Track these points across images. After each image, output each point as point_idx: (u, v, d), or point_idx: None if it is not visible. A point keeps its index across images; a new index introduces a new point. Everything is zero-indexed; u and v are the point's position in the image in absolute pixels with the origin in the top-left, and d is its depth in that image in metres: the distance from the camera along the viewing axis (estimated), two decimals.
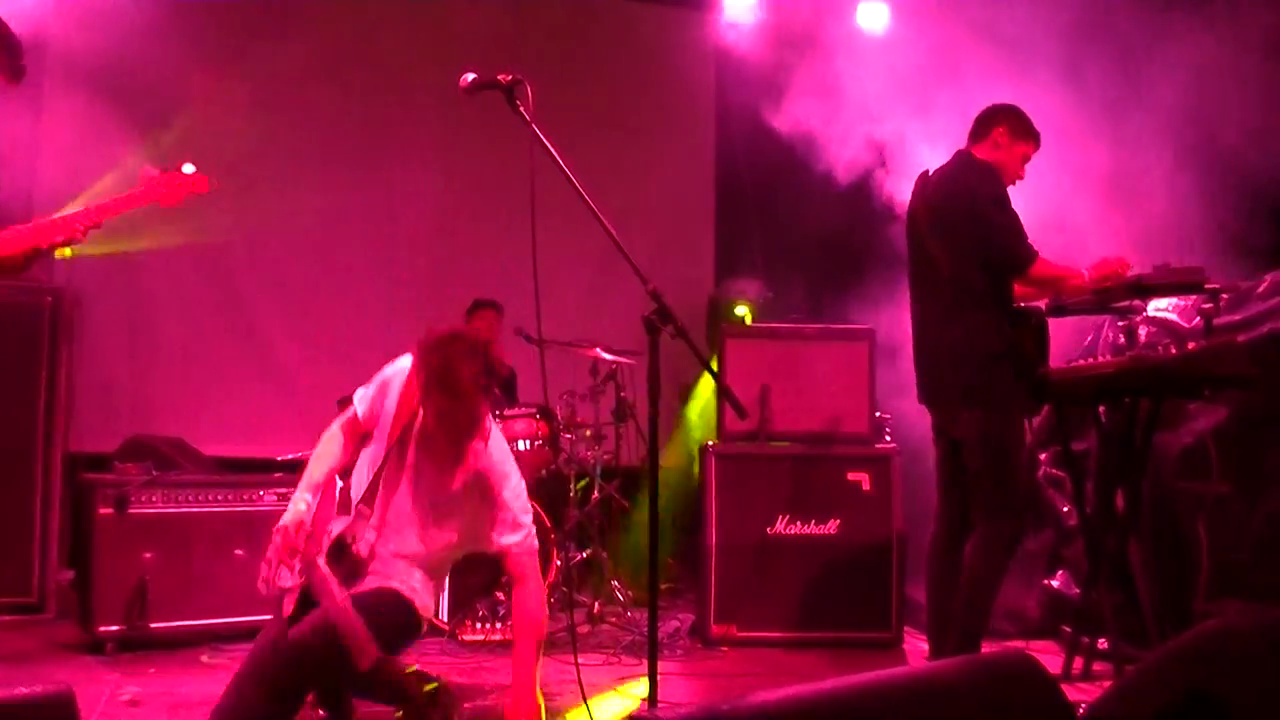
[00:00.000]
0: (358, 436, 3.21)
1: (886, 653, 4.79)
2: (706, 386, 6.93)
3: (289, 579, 2.95)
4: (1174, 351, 3.55)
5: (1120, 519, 4.08)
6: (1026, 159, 3.98)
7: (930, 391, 4.02)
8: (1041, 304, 4.05)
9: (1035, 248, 3.78)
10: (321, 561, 2.92)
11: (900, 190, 5.16)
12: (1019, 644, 4.50)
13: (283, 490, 4.67)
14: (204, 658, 4.24)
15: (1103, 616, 4.07)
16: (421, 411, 3.04)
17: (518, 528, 3.10)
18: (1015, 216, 3.80)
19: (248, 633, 3.71)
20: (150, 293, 6.58)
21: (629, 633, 4.83)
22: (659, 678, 2.80)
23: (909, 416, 4.71)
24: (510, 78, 2.88)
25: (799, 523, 4.90)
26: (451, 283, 6.81)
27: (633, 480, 6.01)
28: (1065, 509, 4.85)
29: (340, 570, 2.96)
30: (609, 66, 7.72)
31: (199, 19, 6.61)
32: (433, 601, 3.15)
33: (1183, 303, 4.40)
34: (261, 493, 4.65)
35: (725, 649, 4.78)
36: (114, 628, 4.29)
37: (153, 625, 4.32)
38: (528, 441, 5.28)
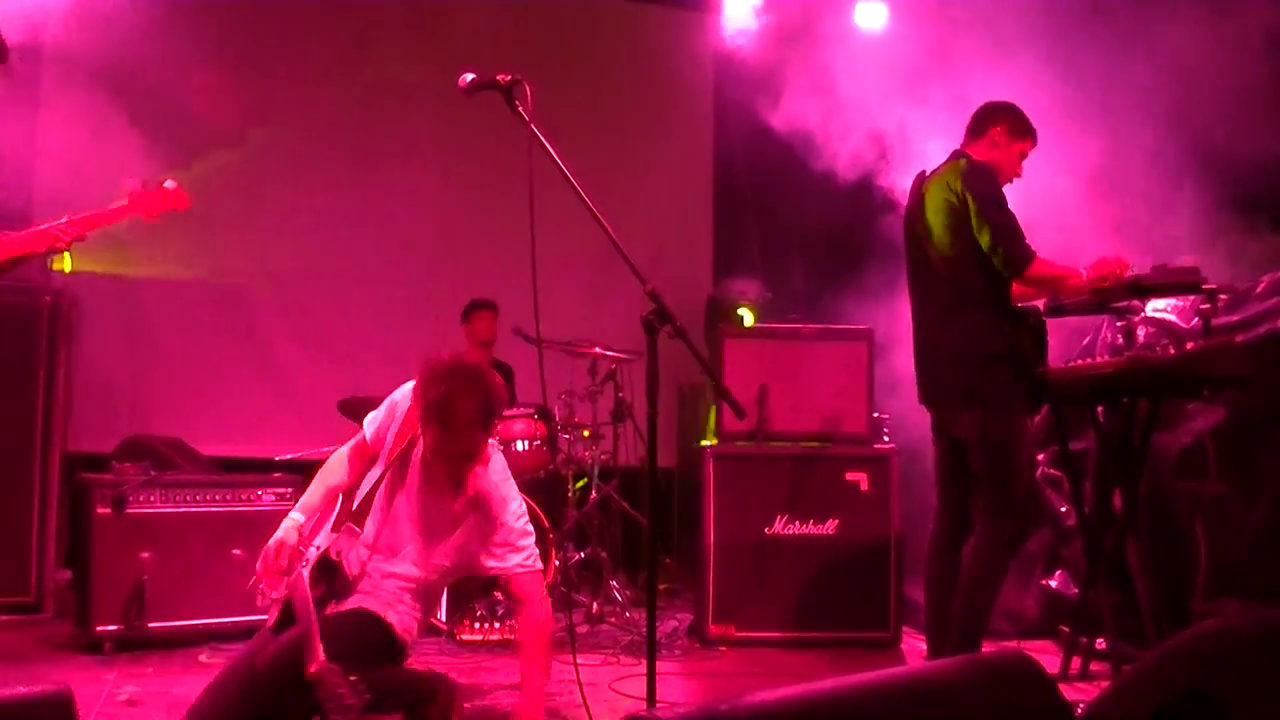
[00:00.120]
0: (365, 460, 3.21)
1: (885, 652, 4.79)
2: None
3: (275, 591, 2.96)
4: (1172, 352, 3.55)
5: (1118, 519, 4.08)
6: (1024, 156, 3.98)
7: (930, 392, 4.02)
8: (1040, 304, 4.05)
9: (1033, 247, 3.78)
10: (305, 577, 2.91)
11: (899, 189, 5.16)
12: (1017, 644, 4.50)
13: (281, 490, 4.68)
14: (202, 657, 4.24)
15: (1101, 616, 4.08)
16: (422, 437, 3.04)
17: (519, 549, 3.10)
18: (1012, 216, 3.80)
19: (245, 632, 3.71)
20: (148, 293, 6.57)
21: (627, 632, 4.83)
22: (657, 677, 2.81)
23: (908, 416, 4.72)
24: (509, 78, 2.88)
25: (797, 523, 4.90)
26: (450, 282, 6.80)
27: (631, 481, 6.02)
28: (1063, 509, 4.85)
29: (325, 587, 2.95)
30: (608, 67, 7.72)
31: (199, 19, 6.61)
32: (416, 625, 3.10)
33: (1181, 303, 4.41)
34: (259, 493, 4.65)
35: (723, 649, 4.78)
36: (112, 627, 4.29)
37: (150, 625, 4.32)
38: (526, 442, 5.29)
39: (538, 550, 3.18)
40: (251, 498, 4.63)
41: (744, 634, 4.83)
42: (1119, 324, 4.18)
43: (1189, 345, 3.54)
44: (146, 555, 4.35)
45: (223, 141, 6.62)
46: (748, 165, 7.76)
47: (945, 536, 3.99)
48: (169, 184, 3.63)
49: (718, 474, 4.93)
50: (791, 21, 6.41)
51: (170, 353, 6.62)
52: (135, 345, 6.55)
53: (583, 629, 4.93)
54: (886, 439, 5.12)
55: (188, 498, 4.50)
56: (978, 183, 3.81)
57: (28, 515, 4.81)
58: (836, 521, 4.91)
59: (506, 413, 5.28)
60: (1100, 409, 4.18)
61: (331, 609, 2.98)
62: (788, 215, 7.64)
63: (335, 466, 3.21)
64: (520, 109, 2.87)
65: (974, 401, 3.79)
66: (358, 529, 3.03)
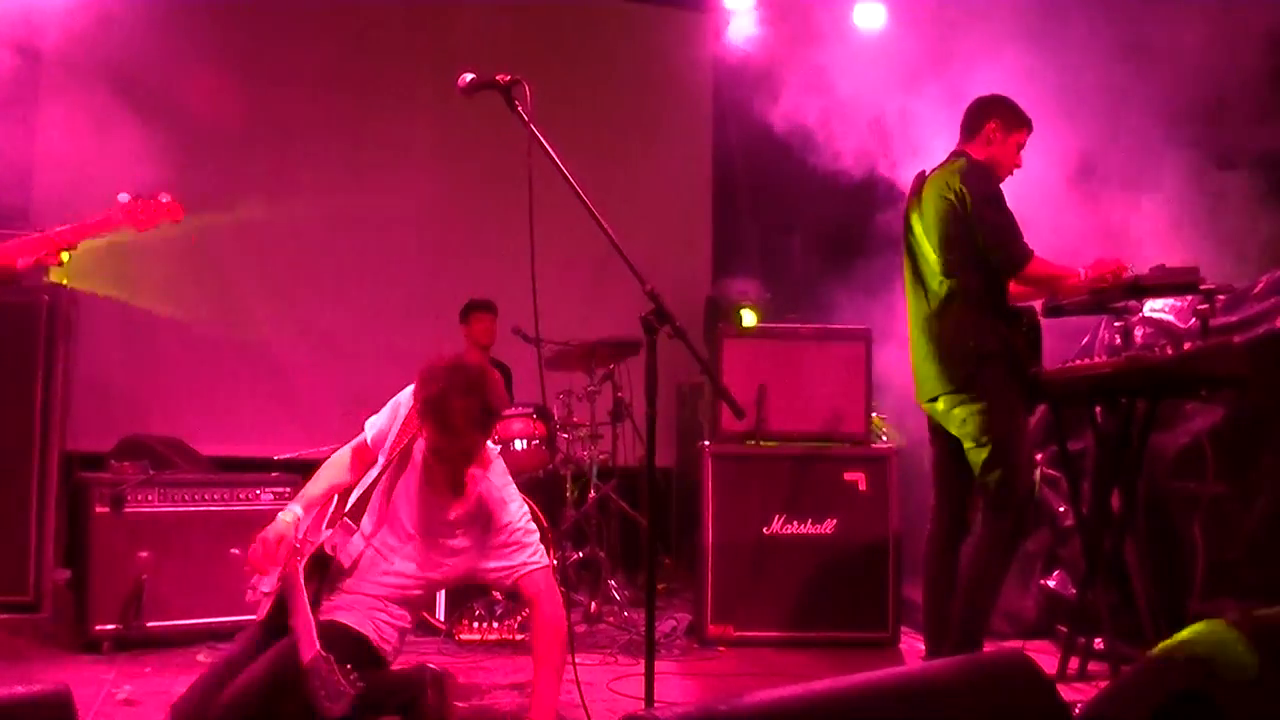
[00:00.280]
0: (366, 461, 3.20)
1: (883, 652, 4.79)
2: None
3: (268, 584, 2.96)
4: (1170, 352, 3.55)
5: (1116, 519, 4.09)
6: (1021, 146, 3.98)
7: (926, 391, 4.02)
8: (1036, 304, 4.05)
9: (1030, 247, 3.79)
10: (300, 574, 2.90)
11: (898, 189, 5.17)
12: (1015, 644, 4.50)
13: (279, 489, 4.67)
14: (200, 656, 4.23)
15: (1099, 616, 4.08)
16: (421, 438, 3.04)
17: (525, 546, 3.06)
18: (1010, 216, 3.80)
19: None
20: (147, 292, 6.57)
21: (626, 632, 4.83)
22: (656, 677, 2.80)
23: (906, 416, 4.72)
24: (508, 78, 2.88)
25: (796, 522, 4.90)
26: (450, 283, 6.81)
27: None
28: (1061, 509, 4.85)
29: (318, 582, 2.94)
30: (608, 67, 7.73)
31: (199, 19, 6.61)
32: (397, 634, 3.06)
33: (1179, 303, 4.41)
34: (258, 492, 4.65)
35: (722, 649, 4.78)
36: (110, 627, 4.28)
37: (149, 624, 4.32)
38: (525, 441, 5.29)
39: (543, 548, 3.16)
40: (250, 497, 4.62)
41: (742, 634, 4.83)
42: (1117, 324, 4.19)
43: (1187, 345, 3.54)
44: (145, 555, 4.35)
45: (221, 142, 6.62)
46: (747, 165, 7.77)
47: (942, 536, 4.00)
48: (164, 197, 3.64)
49: (716, 474, 4.94)
50: (791, 22, 6.42)
51: (169, 352, 6.63)
52: (134, 344, 6.56)
53: (581, 628, 4.93)
54: (885, 439, 5.12)
55: (186, 497, 4.50)
56: (976, 182, 3.81)
57: (26, 514, 4.80)
58: (835, 521, 4.91)
59: (506, 412, 5.29)
60: (1098, 409, 4.19)
61: (325, 600, 2.97)
62: (787, 215, 7.65)
63: (339, 464, 3.21)
64: (520, 109, 2.87)
65: (971, 400, 3.80)
66: (354, 525, 3.02)
